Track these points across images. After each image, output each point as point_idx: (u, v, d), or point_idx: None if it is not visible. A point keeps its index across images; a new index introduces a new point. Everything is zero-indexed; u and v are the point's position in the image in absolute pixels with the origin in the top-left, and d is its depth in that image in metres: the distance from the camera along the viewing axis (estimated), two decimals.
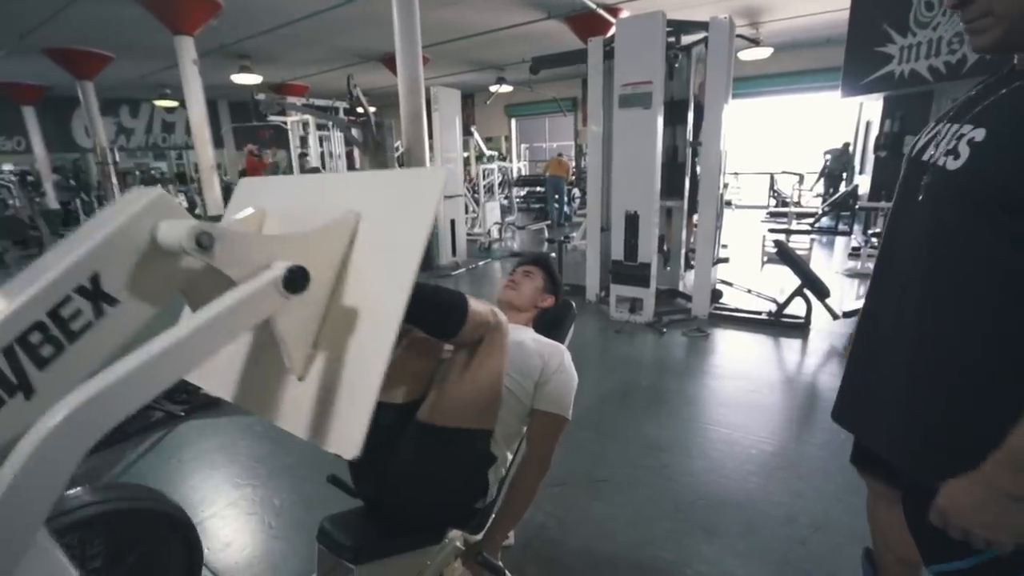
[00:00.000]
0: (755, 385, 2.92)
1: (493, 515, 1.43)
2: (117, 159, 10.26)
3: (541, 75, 6.23)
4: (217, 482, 2.18)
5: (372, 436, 1.25)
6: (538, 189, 11.61)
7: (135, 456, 2.37)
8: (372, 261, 0.85)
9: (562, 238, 5.49)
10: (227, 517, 1.94)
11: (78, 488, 1.23)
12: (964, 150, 0.74)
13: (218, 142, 12.70)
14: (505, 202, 10.72)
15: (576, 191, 10.79)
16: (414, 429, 1.16)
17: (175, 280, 0.74)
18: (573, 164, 12.13)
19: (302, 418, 0.83)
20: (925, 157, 0.84)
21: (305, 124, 7.75)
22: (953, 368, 0.77)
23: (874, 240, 5.64)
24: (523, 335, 1.47)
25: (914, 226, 0.85)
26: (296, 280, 0.73)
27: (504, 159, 10.26)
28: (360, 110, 5.84)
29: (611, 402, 2.80)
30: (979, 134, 0.73)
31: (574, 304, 1.86)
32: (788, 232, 6.65)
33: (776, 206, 10.09)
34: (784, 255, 3.78)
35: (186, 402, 2.72)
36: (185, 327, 0.63)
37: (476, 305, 1.12)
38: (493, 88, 11.06)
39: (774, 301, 4.08)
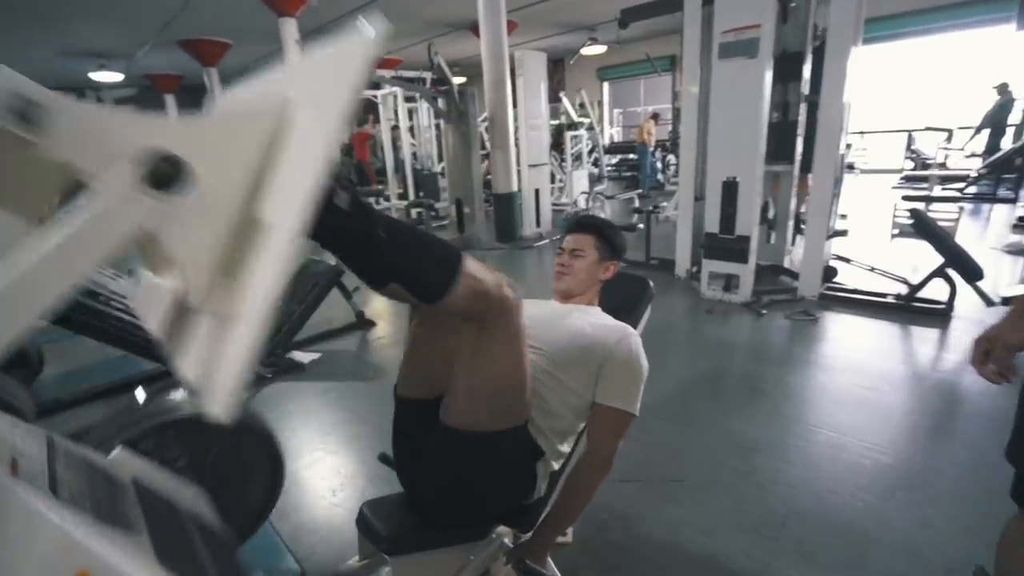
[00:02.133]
0: (874, 381, 2.49)
1: (545, 512, 1.31)
2: None
3: (635, 31, 5.74)
4: (295, 444, 2.28)
5: (402, 433, 1.19)
6: (630, 156, 11.01)
7: None
8: (291, 161, 0.66)
9: (651, 208, 5.11)
10: (299, 480, 2.01)
11: (152, 399, 1.32)
12: None
13: None
14: (595, 170, 10.30)
15: (672, 157, 10.07)
16: (438, 431, 1.05)
17: (44, 179, 0.59)
18: (669, 128, 11.33)
19: (192, 365, 0.66)
20: None
21: (395, 97, 7.91)
22: None
23: None
24: (582, 320, 1.29)
25: None
26: (163, 173, 0.54)
27: (592, 128, 9.76)
28: (443, 79, 5.79)
29: (696, 391, 2.53)
30: None
31: (652, 284, 1.64)
32: (928, 199, 5.65)
33: (914, 169, 8.65)
34: (922, 226, 3.16)
35: (273, 364, 2.89)
36: (31, 249, 0.50)
37: (476, 269, 0.90)
38: (585, 50, 10.51)
39: (905, 282, 3.46)
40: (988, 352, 0.93)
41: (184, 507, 1.00)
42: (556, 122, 8.95)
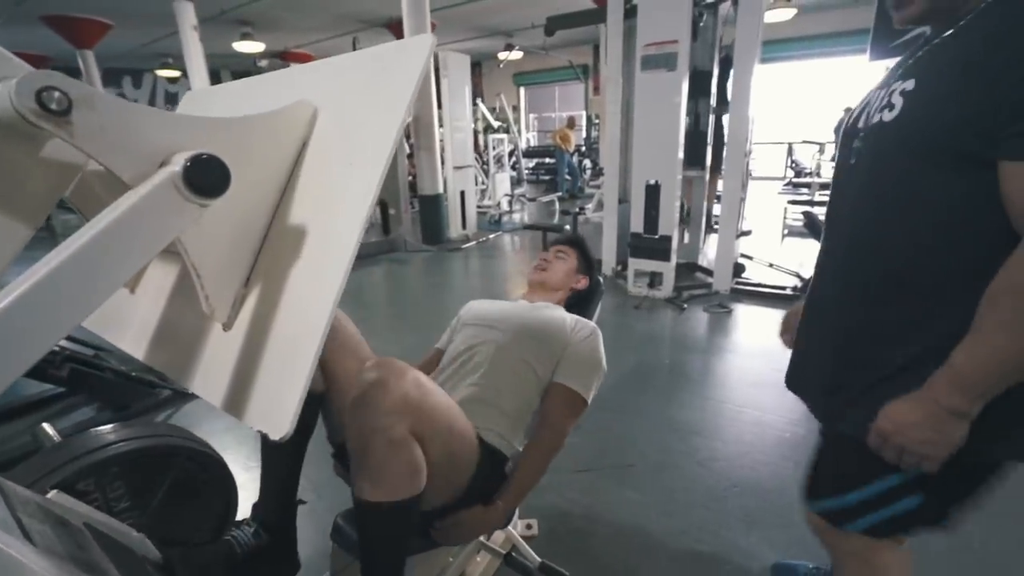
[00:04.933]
0: (784, 364, 2.78)
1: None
2: None
3: (552, 41, 5.94)
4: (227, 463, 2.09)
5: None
6: (547, 160, 11.35)
7: None
8: (328, 169, 0.65)
9: (576, 210, 5.31)
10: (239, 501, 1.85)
11: (86, 432, 1.15)
12: (898, 100, 0.74)
13: None
14: (513, 174, 10.48)
15: (587, 162, 10.51)
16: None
17: (50, 180, 0.55)
18: (584, 134, 11.82)
19: (221, 383, 0.63)
20: (860, 124, 0.85)
21: None
22: (869, 302, 0.82)
23: None
24: (552, 313, 1.35)
25: (849, 196, 0.86)
26: (206, 176, 0.52)
27: (508, 131, 9.96)
28: None
29: (634, 381, 2.68)
30: (910, 84, 0.74)
31: (602, 280, 1.73)
32: (812, 203, 6.41)
33: (794, 177, 9.78)
34: (815, 227, 3.59)
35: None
36: (55, 257, 0.45)
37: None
38: (503, 55, 10.67)
39: (797, 275, 3.91)
40: (788, 325, 1.19)
41: (139, 553, 0.91)
42: (472, 126, 8.99)
